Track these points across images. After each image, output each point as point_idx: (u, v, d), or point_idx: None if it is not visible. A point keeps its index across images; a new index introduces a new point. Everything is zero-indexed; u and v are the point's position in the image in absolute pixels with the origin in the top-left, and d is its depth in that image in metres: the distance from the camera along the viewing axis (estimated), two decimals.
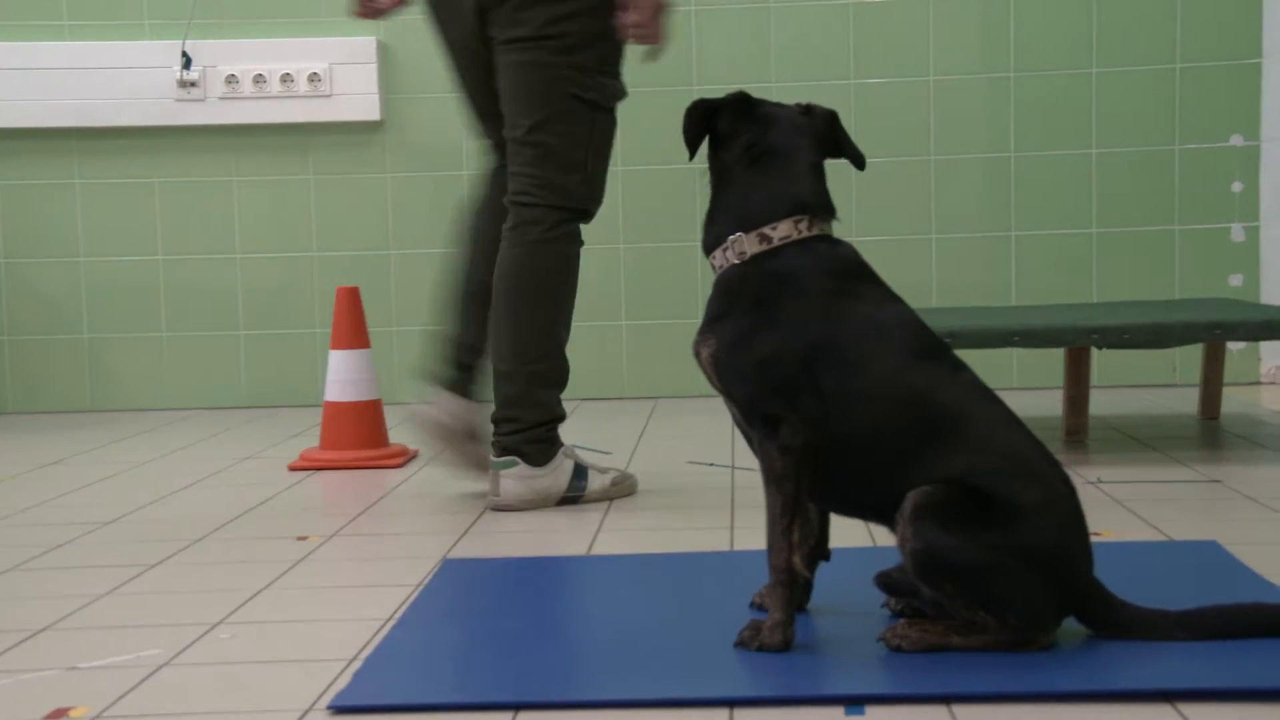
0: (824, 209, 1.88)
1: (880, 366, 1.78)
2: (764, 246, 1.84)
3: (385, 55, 4.61)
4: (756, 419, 1.81)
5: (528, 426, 2.79)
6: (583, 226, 2.85)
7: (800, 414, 1.78)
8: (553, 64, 2.72)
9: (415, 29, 4.61)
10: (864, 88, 4.53)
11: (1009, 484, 1.73)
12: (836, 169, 1.96)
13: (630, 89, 2.85)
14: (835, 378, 1.78)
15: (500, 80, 2.80)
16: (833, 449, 1.79)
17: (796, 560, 1.79)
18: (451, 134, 4.61)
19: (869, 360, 1.78)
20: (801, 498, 1.79)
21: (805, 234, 1.85)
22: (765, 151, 1.87)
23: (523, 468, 2.78)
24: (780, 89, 4.37)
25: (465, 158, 4.61)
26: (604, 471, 2.92)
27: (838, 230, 1.91)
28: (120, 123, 4.58)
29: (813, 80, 4.45)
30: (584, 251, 2.88)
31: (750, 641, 1.80)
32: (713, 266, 1.89)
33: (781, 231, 1.84)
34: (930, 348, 1.82)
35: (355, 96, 4.57)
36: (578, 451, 2.97)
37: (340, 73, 4.56)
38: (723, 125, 1.89)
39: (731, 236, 1.86)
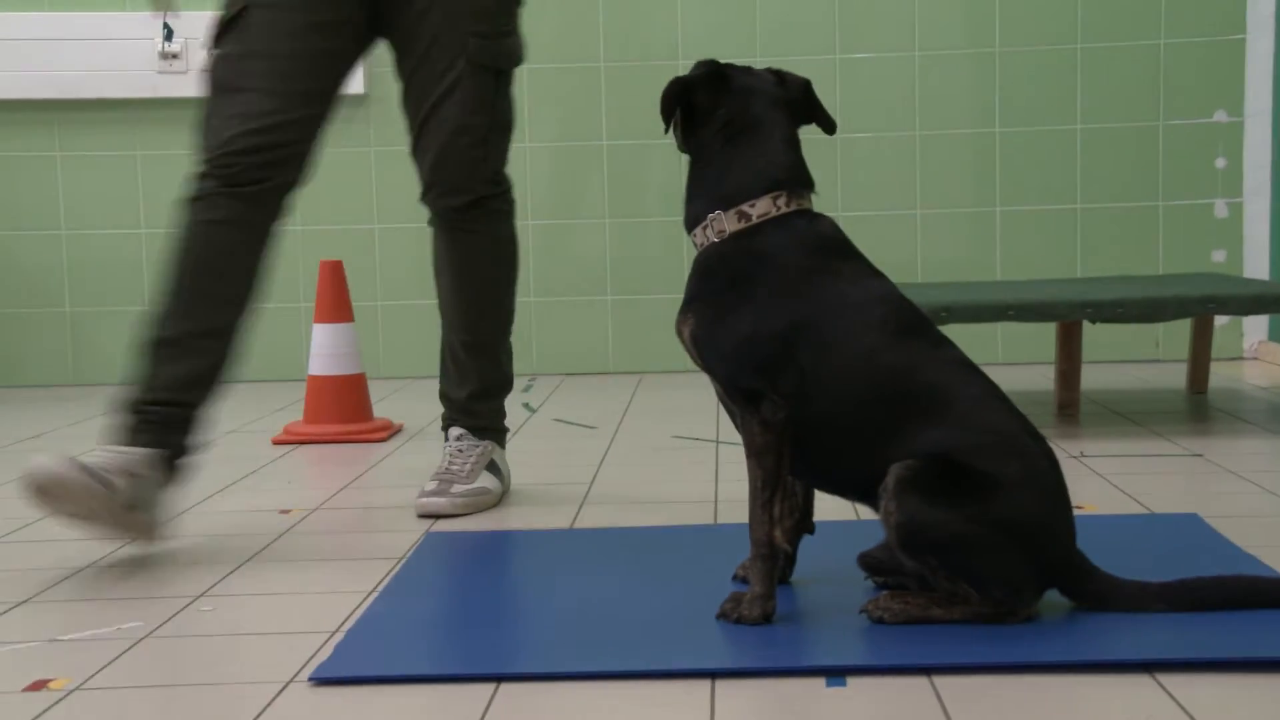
0: (802, 184, 1.86)
1: (859, 344, 1.78)
2: (743, 224, 1.83)
3: None
4: (738, 395, 1.80)
5: None
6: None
7: (780, 390, 1.77)
8: None
9: None
10: (850, 62, 4.51)
11: (991, 458, 1.73)
12: (821, 145, 1.94)
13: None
14: (814, 356, 1.77)
15: None
16: (814, 425, 1.78)
17: (777, 534, 1.78)
18: None
19: (848, 338, 1.78)
20: (782, 472, 1.79)
21: (784, 210, 1.83)
22: (742, 128, 1.85)
23: None
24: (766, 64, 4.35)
25: None
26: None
27: (818, 204, 1.90)
28: (101, 95, 4.55)
29: (799, 55, 4.43)
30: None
31: (731, 613, 1.80)
32: (694, 244, 1.89)
33: (760, 208, 1.83)
34: (911, 323, 1.81)
35: None
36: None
37: None
38: (699, 101, 1.87)
39: (711, 214, 1.85)
